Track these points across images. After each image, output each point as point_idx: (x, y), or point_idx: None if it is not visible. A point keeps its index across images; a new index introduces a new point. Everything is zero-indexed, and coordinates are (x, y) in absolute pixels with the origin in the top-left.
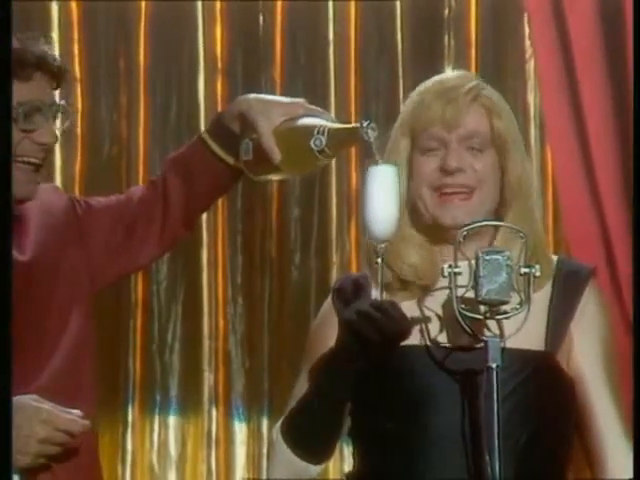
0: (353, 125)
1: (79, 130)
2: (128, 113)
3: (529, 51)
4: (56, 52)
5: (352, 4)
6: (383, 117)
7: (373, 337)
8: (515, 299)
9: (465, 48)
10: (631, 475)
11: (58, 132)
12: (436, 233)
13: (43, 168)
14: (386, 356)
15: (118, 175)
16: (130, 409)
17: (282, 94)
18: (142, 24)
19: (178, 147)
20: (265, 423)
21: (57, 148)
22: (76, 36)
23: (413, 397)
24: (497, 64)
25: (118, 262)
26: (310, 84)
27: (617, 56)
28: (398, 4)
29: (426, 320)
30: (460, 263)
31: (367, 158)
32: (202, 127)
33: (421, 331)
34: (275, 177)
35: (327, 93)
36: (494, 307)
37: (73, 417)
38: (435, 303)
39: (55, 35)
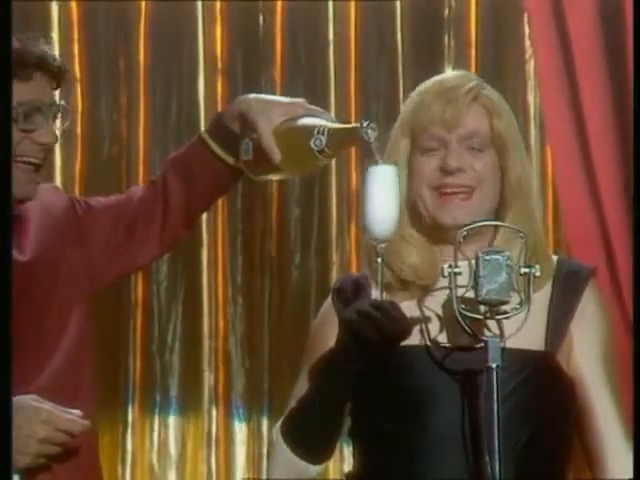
0: (353, 125)
1: (79, 130)
2: (128, 113)
3: (529, 51)
4: (56, 52)
5: (352, 4)
6: (383, 117)
7: (373, 337)
8: (515, 299)
9: (465, 48)
10: (631, 475)
11: (58, 132)
12: (436, 233)
13: (43, 168)
14: (386, 356)
15: (118, 175)
16: (130, 409)
17: (282, 94)
18: (142, 24)
19: (178, 147)
20: (265, 423)
21: (57, 148)
22: (76, 36)
23: (413, 397)
24: (497, 64)
25: (118, 262)
26: (310, 84)
27: (617, 56)
28: (398, 4)
29: (426, 320)
30: (460, 263)
31: (367, 158)
32: (202, 127)
33: (421, 331)
34: (275, 177)
35: (327, 93)
36: (494, 307)
37: (73, 417)
38: (435, 303)
39: (55, 35)
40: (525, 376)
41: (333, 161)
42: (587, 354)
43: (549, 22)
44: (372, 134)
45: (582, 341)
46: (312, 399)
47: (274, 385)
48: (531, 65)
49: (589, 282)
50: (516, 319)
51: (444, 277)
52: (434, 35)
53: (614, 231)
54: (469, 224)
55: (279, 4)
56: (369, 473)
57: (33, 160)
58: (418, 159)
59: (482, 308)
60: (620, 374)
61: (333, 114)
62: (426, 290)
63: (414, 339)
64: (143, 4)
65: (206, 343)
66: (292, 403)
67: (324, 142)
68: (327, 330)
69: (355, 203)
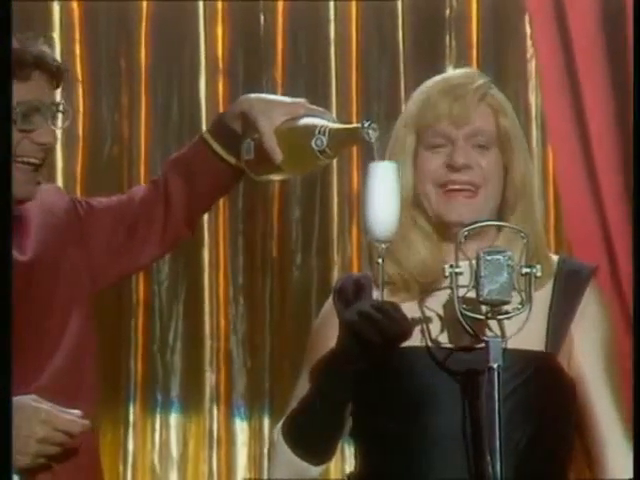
0: (354, 125)
1: (80, 130)
2: (129, 113)
3: (530, 51)
4: (57, 52)
5: (353, 4)
6: (384, 117)
7: (374, 338)
8: (516, 299)
9: (466, 48)
10: (631, 475)
11: (58, 132)
12: (440, 230)
13: (43, 168)
14: (386, 357)
15: (119, 175)
16: (131, 409)
17: (283, 94)
18: (143, 24)
19: (179, 147)
20: (266, 423)
21: (58, 148)
22: (77, 36)
23: (414, 397)
24: (498, 64)
25: (119, 262)
26: (311, 84)
27: (618, 56)
28: (399, 4)
29: (427, 321)
30: (461, 263)
31: (369, 159)
32: (203, 127)
33: (422, 332)
34: (276, 177)
35: (328, 93)
36: (495, 307)
37: (72, 417)
38: (436, 303)
39: (56, 35)
40: (526, 377)
41: (334, 161)
42: (588, 354)
43: (550, 22)
44: (373, 134)
45: (583, 341)
46: (313, 400)
47: (275, 385)
48: (532, 65)
49: (590, 282)
50: (517, 319)
51: (445, 277)
52: (435, 35)
53: (615, 231)
54: (471, 224)
55: (280, 4)
56: (370, 473)
57: (33, 160)
58: (423, 155)
59: (483, 308)
60: (621, 374)
61: (334, 114)
62: (427, 290)
63: (415, 340)
64: (144, 4)
65: (207, 343)
66: (293, 404)
67: (325, 142)
68: (328, 331)
69: (356, 203)
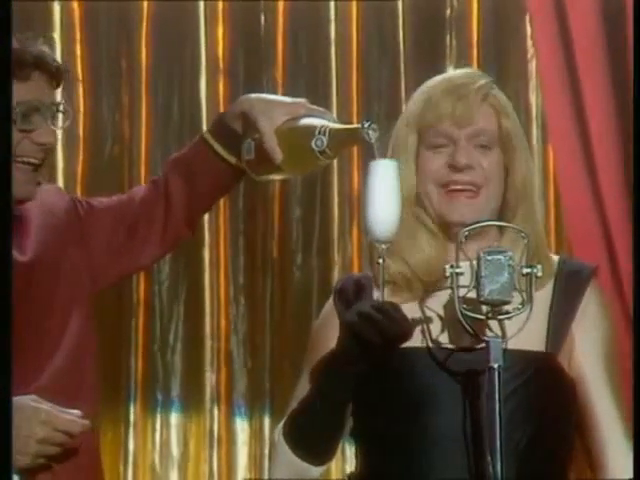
0: (354, 125)
1: (81, 130)
2: (130, 113)
3: (531, 51)
4: (58, 52)
5: (354, 4)
6: (385, 117)
7: (374, 339)
8: (517, 299)
9: (467, 48)
10: (631, 475)
11: (59, 132)
12: (441, 230)
13: (43, 168)
14: (387, 357)
15: (120, 175)
16: (132, 409)
17: (284, 94)
18: (144, 24)
19: (180, 147)
20: (267, 423)
21: (59, 148)
22: (78, 36)
23: (415, 398)
24: (499, 64)
25: (120, 262)
26: (312, 84)
27: (619, 56)
28: (400, 4)
29: (428, 321)
30: (462, 263)
31: (370, 159)
32: (204, 127)
33: (423, 332)
34: (277, 177)
35: (329, 93)
36: (496, 307)
37: (72, 417)
38: (437, 304)
39: (57, 35)
40: (527, 377)
41: (335, 161)
42: (588, 354)
43: (551, 22)
44: (373, 134)
45: (583, 340)
46: (313, 401)
47: (276, 385)
48: (533, 65)
49: (590, 282)
50: (517, 319)
51: (446, 277)
52: (436, 35)
53: (616, 230)
54: (472, 224)
55: (281, 4)
56: (371, 473)
57: (32, 160)
58: (424, 155)
59: (484, 308)
60: (621, 374)
61: (335, 114)
62: (428, 291)
63: (415, 340)
64: (145, 4)
65: (208, 343)
66: (293, 404)
67: (325, 142)
68: (328, 331)
69: (357, 203)
